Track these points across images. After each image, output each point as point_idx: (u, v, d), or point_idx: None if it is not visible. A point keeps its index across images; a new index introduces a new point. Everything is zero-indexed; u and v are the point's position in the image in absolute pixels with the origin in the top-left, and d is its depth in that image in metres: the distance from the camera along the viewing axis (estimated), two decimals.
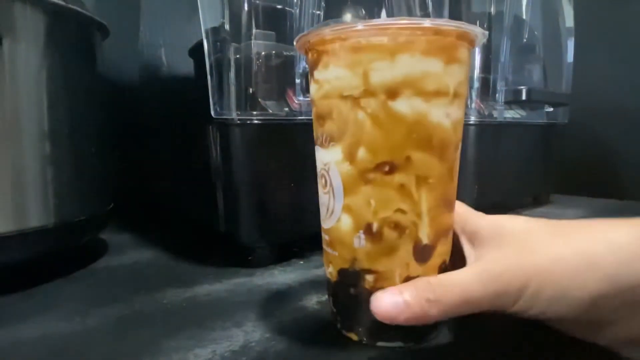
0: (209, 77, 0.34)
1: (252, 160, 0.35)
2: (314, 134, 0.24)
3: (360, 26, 0.20)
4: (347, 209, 0.22)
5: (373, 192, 0.21)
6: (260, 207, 0.35)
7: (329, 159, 0.22)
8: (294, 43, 0.23)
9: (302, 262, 0.37)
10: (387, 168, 0.20)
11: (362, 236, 0.21)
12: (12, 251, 0.30)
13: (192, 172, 0.43)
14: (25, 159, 0.31)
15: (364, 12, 0.41)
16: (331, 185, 0.22)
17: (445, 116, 0.21)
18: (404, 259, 0.21)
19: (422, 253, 0.21)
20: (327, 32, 0.21)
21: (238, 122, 0.34)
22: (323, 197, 0.23)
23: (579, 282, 0.18)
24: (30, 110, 0.31)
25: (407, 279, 0.21)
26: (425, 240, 0.21)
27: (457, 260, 0.23)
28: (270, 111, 0.35)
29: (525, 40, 0.57)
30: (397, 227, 0.21)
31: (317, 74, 0.22)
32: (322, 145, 0.23)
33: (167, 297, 0.30)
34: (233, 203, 0.35)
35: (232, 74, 0.34)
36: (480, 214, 0.24)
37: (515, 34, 0.53)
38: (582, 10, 0.62)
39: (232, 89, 0.34)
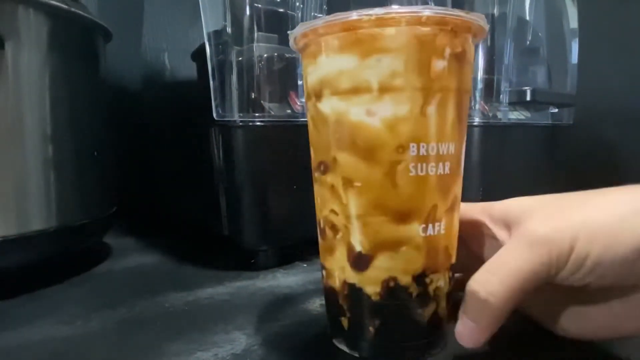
0: (210, 79, 0.34)
1: (254, 162, 0.34)
2: None
3: (291, 33, 0.21)
4: (315, 204, 0.23)
5: (318, 191, 0.22)
6: (263, 210, 0.35)
7: None
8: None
9: (305, 265, 0.37)
10: (322, 168, 0.21)
11: (318, 231, 0.23)
12: (14, 254, 0.30)
13: (195, 174, 0.43)
14: (27, 162, 0.31)
15: None
16: None
17: (369, 114, 0.19)
18: (340, 261, 0.21)
19: (356, 260, 0.20)
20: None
21: (240, 124, 0.34)
22: None
23: (628, 227, 0.17)
24: (33, 113, 0.31)
25: (345, 283, 0.21)
26: (358, 247, 0.20)
27: (492, 253, 0.21)
28: (273, 113, 0.35)
29: (529, 41, 0.57)
30: (333, 227, 0.21)
31: None
32: None
33: (170, 301, 0.29)
34: (236, 206, 0.35)
35: (234, 77, 0.34)
36: (502, 200, 0.22)
37: (519, 35, 0.53)
38: (587, 11, 0.62)
39: (235, 91, 0.34)
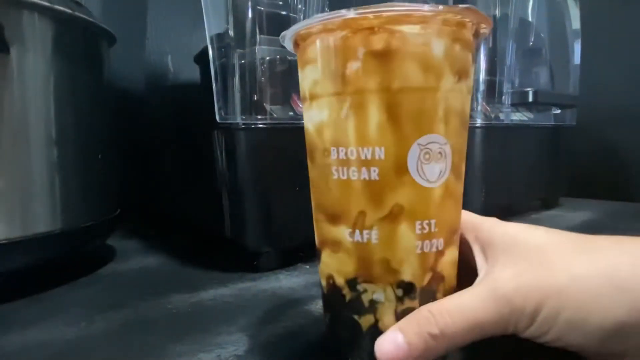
0: (213, 82, 0.34)
1: (257, 165, 0.35)
2: None
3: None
4: None
5: None
6: (266, 212, 0.35)
7: None
8: None
9: (307, 267, 0.37)
10: None
11: None
12: (19, 257, 0.31)
13: (198, 177, 0.43)
14: (32, 165, 0.31)
15: None
16: None
17: (307, 120, 0.21)
18: None
19: (316, 252, 0.22)
20: None
21: (243, 126, 0.34)
22: None
23: (602, 305, 0.16)
24: (38, 116, 0.32)
25: None
26: (316, 240, 0.22)
27: (468, 273, 0.21)
28: (275, 115, 0.35)
29: (531, 42, 0.57)
30: None
31: None
32: None
33: (173, 302, 0.29)
34: (238, 208, 0.35)
35: (236, 80, 0.34)
36: (496, 221, 0.21)
37: (522, 36, 0.53)
38: (590, 11, 0.62)
39: (237, 94, 0.34)
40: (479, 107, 0.48)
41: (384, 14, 0.17)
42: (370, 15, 0.18)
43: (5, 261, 0.30)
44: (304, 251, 0.38)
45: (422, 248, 0.19)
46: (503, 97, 0.50)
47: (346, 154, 0.19)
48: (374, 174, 0.18)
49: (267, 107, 0.35)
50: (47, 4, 0.31)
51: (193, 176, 0.45)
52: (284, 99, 0.36)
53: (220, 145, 0.36)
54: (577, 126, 0.62)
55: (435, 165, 0.18)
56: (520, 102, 0.51)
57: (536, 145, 0.57)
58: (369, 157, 0.18)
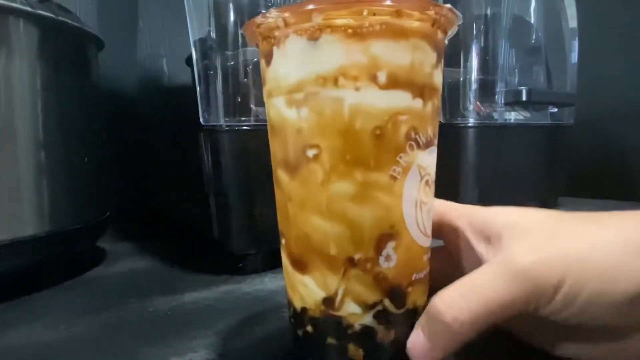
0: (197, 85, 0.34)
1: (241, 167, 0.35)
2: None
3: None
4: None
5: None
6: (251, 214, 0.35)
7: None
8: None
9: None
10: None
11: None
12: (6, 259, 0.31)
13: (187, 179, 0.43)
14: (19, 168, 0.32)
15: None
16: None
17: None
18: None
19: None
20: None
21: (226, 128, 0.34)
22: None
23: (625, 270, 0.16)
24: (24, 120, 0.32)
25: None
26: None
27: (469, 264, 0.20)
28: (261, 117, 0.35)
29: (528, 41, 0.56)
30: None
31: None
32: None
33: (154, 305, 0.30)
34: (224, 210, 0.35)
35: (219, 82, 0.34)
36: (484, 207, 0.20)
37: (517, 35, 0.53)
38: (588, 9, 0.61)
39: (220, 96, 0.34)
40: (472, 107, 0.47)
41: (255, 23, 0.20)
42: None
43: None
44: None
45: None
46: (496, 96, 0.49)
47: None
48: None
49: (253, 108, 0.35)
50: (31, 9, 0.31)
51: (182, 178, 0.45)
52: None
53: (205, 148, 0.36)
54: (575, 125, 0.61)
55: None
56: (514, 101, 0.50)
57: (533, 145, 0.56)
58: None
